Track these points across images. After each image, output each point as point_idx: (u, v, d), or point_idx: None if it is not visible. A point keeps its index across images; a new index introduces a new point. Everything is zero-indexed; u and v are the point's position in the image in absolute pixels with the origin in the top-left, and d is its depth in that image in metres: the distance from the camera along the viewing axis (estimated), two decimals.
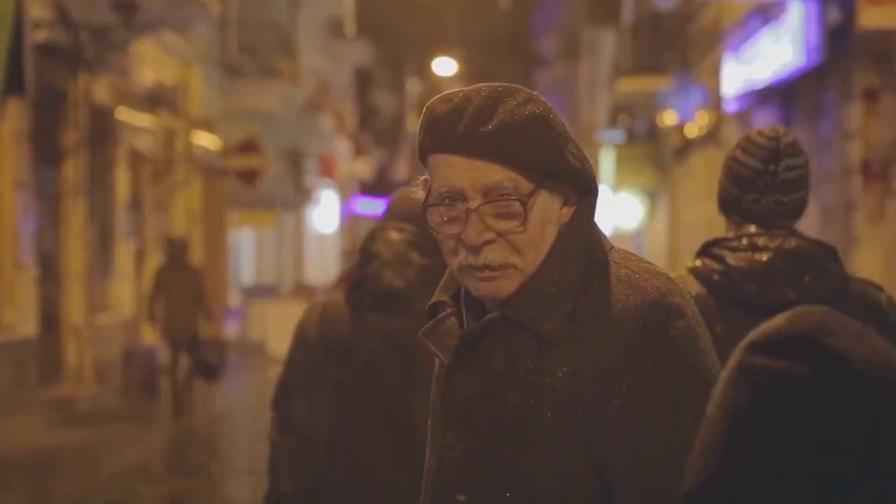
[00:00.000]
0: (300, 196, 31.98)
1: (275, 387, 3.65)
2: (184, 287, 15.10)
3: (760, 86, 16.88)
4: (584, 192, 2.09)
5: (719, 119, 21.31)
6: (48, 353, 15.47)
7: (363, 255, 3.59)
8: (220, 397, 16.86)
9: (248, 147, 22.93)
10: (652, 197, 29.53)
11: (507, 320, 2.05)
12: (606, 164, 30.17)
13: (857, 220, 13.51)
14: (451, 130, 2.03)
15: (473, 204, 2.02)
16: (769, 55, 16.09)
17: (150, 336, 19.36)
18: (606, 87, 32.84)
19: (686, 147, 24.67)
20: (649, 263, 2.09)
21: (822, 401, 1.35)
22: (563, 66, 46.11)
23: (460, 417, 2.08)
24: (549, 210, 2.05)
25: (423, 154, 2.09)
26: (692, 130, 23.81)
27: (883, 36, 12.61)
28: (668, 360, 1.98)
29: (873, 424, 1.35)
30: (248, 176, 22.82)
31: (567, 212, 2.08)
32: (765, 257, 3.18)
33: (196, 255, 19.88)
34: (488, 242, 2.03)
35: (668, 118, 26.35)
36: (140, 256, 19.91)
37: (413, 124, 52.17)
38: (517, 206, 2.02)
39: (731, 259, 3.21)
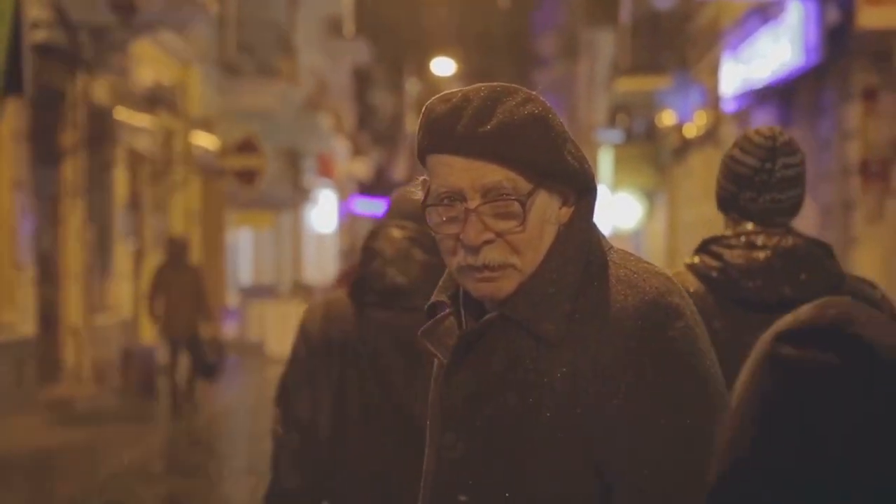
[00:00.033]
0: (298, 196, 31.97)
1: (278, 383, 3.67)
2: (183, 287, 15.11)
3: (759, 85, 16.89)
4: (583, 192, 2.09)
5: (718, 119, 21.32)
6: (47, 353, 15.47)
7: (366, 252, 3.62)
8: (219, 397, 16.85)
9: (247, 147, 22.93)
10: (650, 197, 29.54)
11: (505, 320, 2.05)
12: (605, 163, 30.18)
13: (856, 220, 13.51)
14: (450, 131, 2.03)
15: (472, 204, 2.02)
16: (768, 55, 16.09)
17: (149, 336, 19.36)
18: (605, 87, 32.85)
19: (684, 147, 24.68)
20: (648, 263, 2.09)
21: (849, 389, 1.37)
22: (561, 66, 46.13)
23: (459, 418, 2.08)
24: (548, 210, 2.05)
25: (422, 154, 2.09)
26: (691, 130, 23.81)
27: (882, 36, 12.62)
28: (666, 360, 1.97)
29: None
30: (247, 176, 22.81)
31: (566, 212, 2.08)
32: (762, 255, 3.23)
33: (195, 255, 19.87)
34: (487, 242, 2.03)
35: (667, 118, 26.35)
36: (139, 256, 19.91)
37: (411, 124, 52.19)
38: (516, 207, 2.02)
39: (730, 256, 3.26)
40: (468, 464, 2.06)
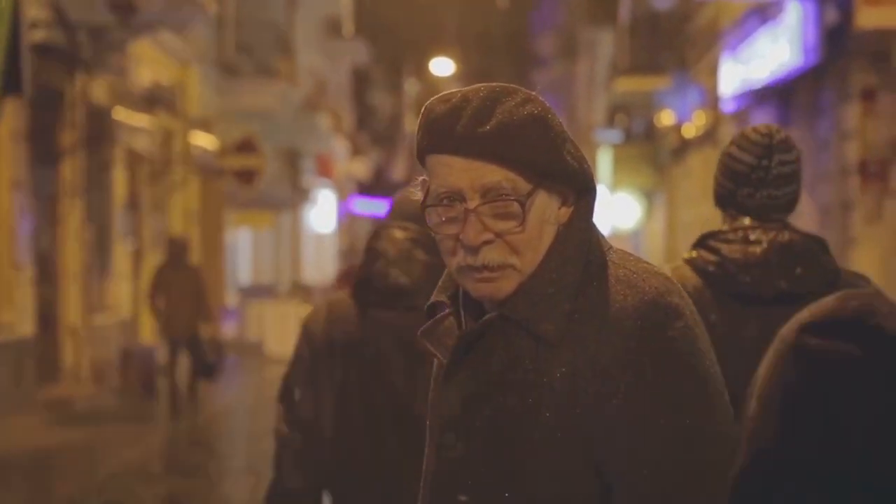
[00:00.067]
0: (297, 196, 31.97)
1: (281, 382, 3.69)
2: (183, 287, 15.12)
3: (758, 86, 16.89)
4: (582, 192, 2.09)
5: (717, 119, 21.32)
6: (45, 353, 15.47)
7: (368, 253, 3.65)
8: (218, 397, 16.85)
9: (246, 147, 22.93)
10: (649, 197, 29.54)
11: (505, 320, 2.05)
12: (604, 163, 30.18)
13: (855, 221, 13.51)
14: (449, 131, 2.03)
15: (472, 204, 2.02)
16: (767, 55, 16.10)
17: (148, 336, 19.36)
18: (604, 87, 32.85)
19: (683, 147, 24.68)
20: (647, 263, 2.09)
21: (871, 379, 1.38)
22: (560, 66, 46.13)
23: (459, 418, 2.08)
24: (547, 210, 2.05)
25: (422, 154, 2.09)
26: (689, 130, 23.81)
27: (880, 36, 12.62)
28: (666, 360, 1.98)
29: None
30: (246, 176, 22.81)
31: (565, 212, 2.08)
32: (759, 250, 3.30)
33: (194, 255, 19.87)
34: (487, 243, 2.03)
35: (666, 118, 26.35)
36: (137, 256, 19.91)
37: (410, 124, 52.20)
38: (515, 207, 2.02)
39: (727, 251, 3.33)
40: (468, 464, 2.06)
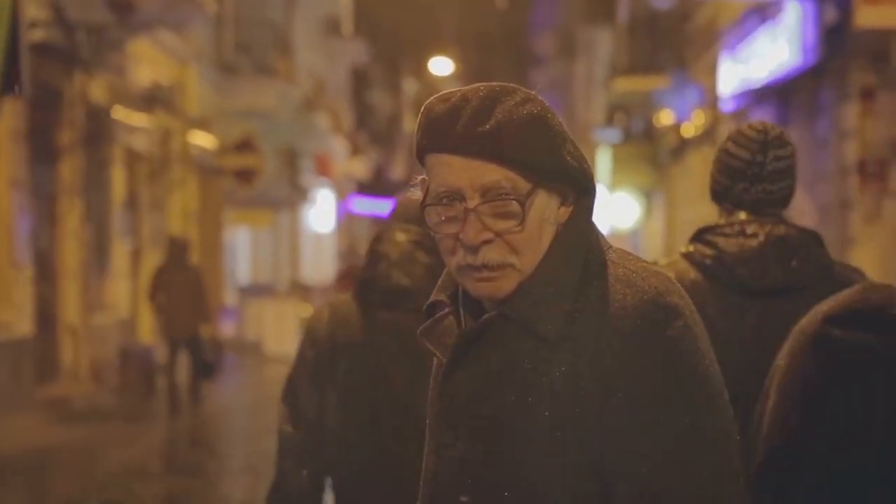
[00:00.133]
0: (296, 195, 31.96)
1: (285, 382, 3.74)
2: (184, 287, 15.14)
3: (757, 85, 16.89)
4: (581, 191, 2.09)
5: (716, 118, 21.32)
6: (44, 352, 15.47)
7: (371, 255, 3.71)
8: (217, 396, 16.85)
9: (245, 146, 22.93)
10: (648, 196, 29.54)
11: (505, 320, 2.05)
12: (603, 163, 30.17)
13: (854, 220, 13.51)
14: (448, 130, 2.03)
15: (471, 204, 2.02)
16: (766, 54, 16.10)
17: (147, 335, 19.36)
18: (603, 87, 32.85)
19: (682, 146, 24.68)
20: (647, 263, 2.09)
21: (893, 369, 1.39)
22: (559, 66, 46.13)
23: (458, 417, 2.08)
24: (547, 210, 2.05)
25: (421, 154, 2.09)
26: (688, 130, 23.81)
27: (879, 35, 12.62)
28: (665, 360, 1.97)
29: None
30: (245, 175, 22.82)
31: (565, 211, 2.08)
32: (755, 243, 3.38)
33: (193, 255, 19.88)
34: (486, 242, 2.03)
35: (665, 117, 26.35)
36: (136, 256, 19.91)
37: (409, 123, 52.21)
38: (515, 206, 2.02)
39: (724, 244, 3.40)
40: (467, 463, 2.06)
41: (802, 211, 14.40)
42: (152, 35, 18.65)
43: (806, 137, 14.92)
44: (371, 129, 47.91)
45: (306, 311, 27.58)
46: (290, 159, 30.69)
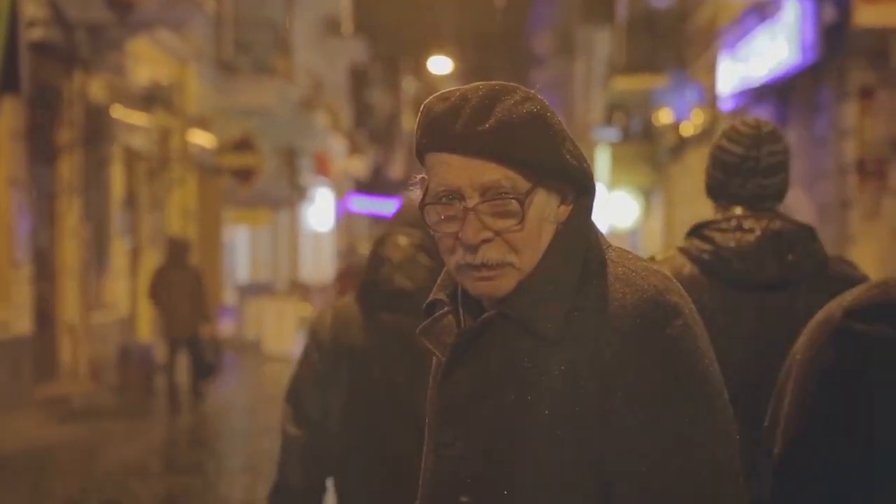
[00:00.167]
0: (295, 194, 31.96)
1: (289, 383, 3.80)
2: (184, 287, 15.16)
3: (756, 84, 16.89)
4: (581, 190, 2.09)
5: (715, 117, 21.31)
6: (43, 350, 15.46)
7: (373, 259, 3.77)
8: (216, 395, 16.85)
9: (244, 145, 22.92)
10: (647, 195, 29.53)
11: (504, 319, 2.05)
12: (602, 162, 30.17)
13: (853, 218, 13.51)
14: (448, 129, 2.03)
15: (471, 203, 2.02)
16: (765, 53, 16.09)
17: (146, 334, 19.36)
18: (602, 86, 32.84)
19: (681, 145, 24.68)
20: (647, 261, 2.09)
21: None
22: (558, 65, 46.12)
23: (457, 416, 2.08)
24: (546, 209, 2.05)
25: (421, 153, 2.09)
26: (687, 129, 23.80)
27: (878, 34, 12.62)
28: (665, 359, 1.97)
29: None
30: (244, 174, 22.81)
31: (564, 210, 2.08)
32: (752, 237, 3.42)
33: (192, 254, 19.88)
34: (486, 241, 2.03)
35: (664, 116, 26.34)
36: (135, 254, 19.90)
37: (408, 122, 52.20)
38: (515, 205, 2.02)
39: (721, 239, 3.44)
40: (466, 462, 2.06)
41: (797, 209, 14.40)
42: (152, 34, 18.64)
43: (805, 136, 14.92)
44: (370, 128, 47.91)
45: (305, 309, 27.60)
46: (290, 158, 30.69)
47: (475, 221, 2.02)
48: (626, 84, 27.15)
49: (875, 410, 1.43)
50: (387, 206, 42.64)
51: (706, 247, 3.45)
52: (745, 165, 3.49)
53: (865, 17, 12.25)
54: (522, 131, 2.02)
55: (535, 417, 2.00)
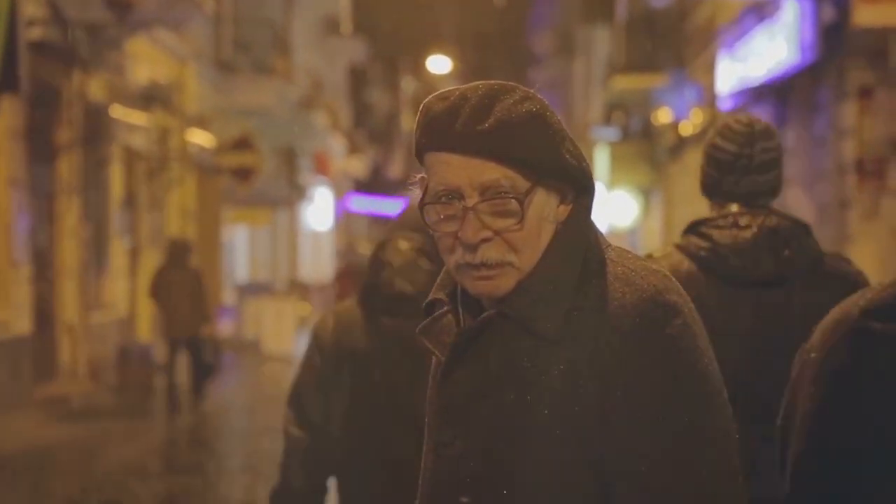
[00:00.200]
0: (294, 193, 31.96)
1: (291, 387, 3.85)
2: (184, 287, 15.17)
3: (755, 83, 16.89)
4: (580, 190, 2.09)
5: (714, 117, 21.31)
6: (42, 350, 15.46)
7: (374, 263, 3.80)
8: (215, 395, 16.85)
9: (243, 144, 22.92)
10: (646, 194, 29.55)
11: (504, 318, 2.05)
12: (601, 161, 30.17)
13: (852, 218, 13.52)
14: (447, 129, 2.03)
15: (470, 202, 2.02)
16: (764, 53, 16.10)
17: (145, 334, 19.36)
18: (601, 85, 32.85)
19: (681, 144, 24.68)
20: (646, 261, 2.09)
21: None
22: (557, 64, 46.12)
23: (457, 415, 2.08)
24: (546, 208, 2.05)
25: (420, 152, 2.08)
26: (687, 128, 23.81)
27: (877, 34, 12.62)
28: (664, 358, 1.97)
29: None
30: (243, 173, 22.80)
31: (564, 210, 2.08)
32: (749, 234, 3.45)
33: (192, 255, 19.88)
34: (485, 240, 2.02)
35: (663, 116, 26.35)
36: (134, 254, 19.90)
37: (407, 122, 52.20)
38: (514, 205, 2.02)
39: (718, 236, 3.46)
40: (466, 461, 2.06)
41: (797, 209, 14.40)
42: (151, 34, 18.64)
43: (804, 136, 14.93)
44: (369, 128, 47.92)
45: (304, 309, 27.60)
46: (289, 158, 30.69)
47: (474, 221, 2.02)
48: (625, 83, 27.16)
49: (893, 409, 1.43)
50: (386, 206, 42.66)
51: (703, 244, 3.47)
52: (738, 163, 3.52)
53: (864, 16, 12.25)
54: (522, 131, 2.02)
55: (534, 417, 2.00)
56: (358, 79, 44.79)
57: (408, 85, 55.56)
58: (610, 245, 2.10)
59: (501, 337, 2.05)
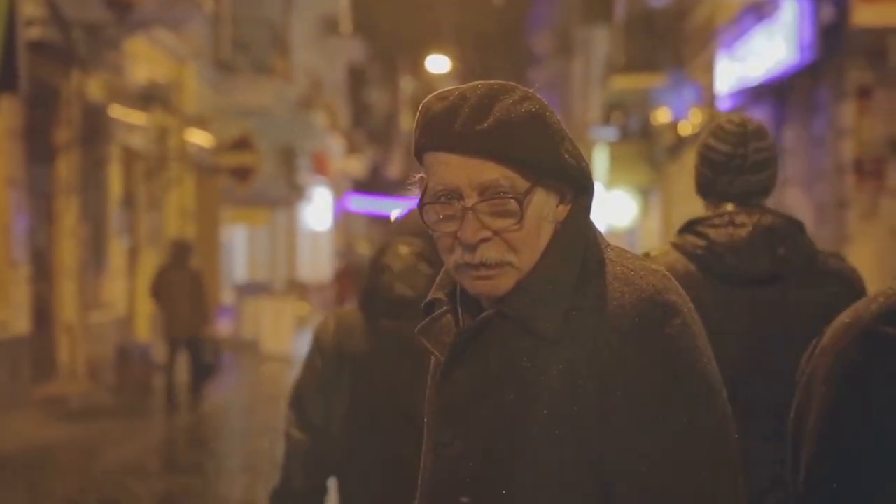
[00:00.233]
0: (293, 193, 31.96)
1: (292, 389, 3.89)
2: (184, 287, 15.18)
3: (754, 83, 16.89)
4: (580, 190, 2.09)
5: (713, 117, 21.29)
6: (41, 350, 15.46)
7: (374, 267, 3.85)
8: (214, 394, 16.85)
9: (242, 144, 22.91)
10: (645, 194, 29.54)
11: (503, 318, 2.05)
12: (600, 161, 30.17)
13: (851, 218, 13.51)
14: (447, 128, 2.03)
15: (470, 202, 2.02)
16: (763, 53, 16.09)
17: (144, 333, 19.35)
18: (600, 85, 32.84)
19: (679, 144, 24.67)
20: (645, 261, 2.09)
21: None
22: (556, 64, 46.11)
23: (456, 415, 2.08)
24: (545, 208, 2.05)
25: (419, 152, 2.08)
26: (686, 128, 23.81)
27: (876, 33, 12.62)
28: (664, 358, 1.97)
29: None
30: (242, 173, 22.80)
31: (563, 210, 2.08)
32: (744, 232, 3.48)
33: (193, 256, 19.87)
34: (484, 240, 2.02)
35: (662, 116, 26.34)
36: (133, 254, 19.90)
37: (406, 122, 52.20)
38: (513, 205, 2.02)
39: (714, 235, 3.49)
40: (465, 461, 2.06)
41: (796, 209, 14.40)
42: (150, 33, 18.64)
43: (803, 136, 14.93)
44: (368, 128, 47.92)
45: (303, 309, 27.60)
46: (288, 158, 30.69)
47: (474, 221, 2.02)
48: (624, 83, 27.15)
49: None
50: (385, 206, 42.64)
51: (700, 242, 3.50)
52: (732, 163, 3.54)
53: (863, 16, 12.25)
54: (521, 130, 2.02)
55: (534, 417, 2.00)
56: (357, 79, 44.79)
57: (407, 85, 55.56)
58: (609, 245, 2.10)
59: (501, 337, 2.05)
